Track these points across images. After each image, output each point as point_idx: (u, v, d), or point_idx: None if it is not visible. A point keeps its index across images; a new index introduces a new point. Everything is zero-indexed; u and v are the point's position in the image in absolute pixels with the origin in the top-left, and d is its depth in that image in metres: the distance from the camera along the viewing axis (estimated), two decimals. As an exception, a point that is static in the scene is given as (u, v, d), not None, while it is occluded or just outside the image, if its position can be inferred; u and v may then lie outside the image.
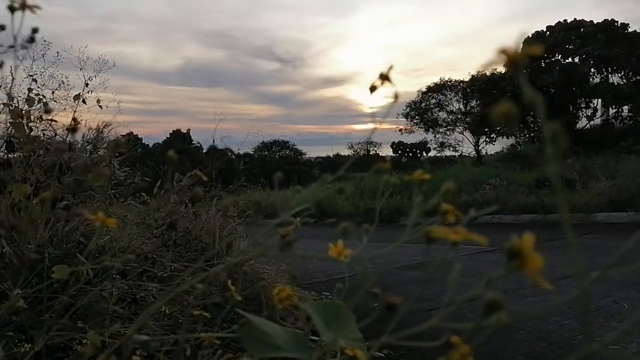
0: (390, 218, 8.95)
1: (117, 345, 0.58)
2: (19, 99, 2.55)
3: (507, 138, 20.39)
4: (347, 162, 0.65)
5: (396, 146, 29.81)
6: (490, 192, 10.23)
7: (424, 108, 22.61)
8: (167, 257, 2.46)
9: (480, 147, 22.10)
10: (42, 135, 2.68)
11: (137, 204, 2.87)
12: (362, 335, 0.67)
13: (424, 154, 28.92)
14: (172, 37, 58.16)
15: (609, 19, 18.46)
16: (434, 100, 22.56)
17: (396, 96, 0.58)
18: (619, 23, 18.42)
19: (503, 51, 0.37)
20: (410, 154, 29.64)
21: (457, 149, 23.25)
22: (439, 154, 24.40)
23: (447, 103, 22.43)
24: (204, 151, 22.95)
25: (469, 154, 22.67)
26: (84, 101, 3.02)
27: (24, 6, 0.62)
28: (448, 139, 23.18)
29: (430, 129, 22.97)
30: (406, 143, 29.21)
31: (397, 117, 22.24)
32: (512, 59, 0.37)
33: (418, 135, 24.90)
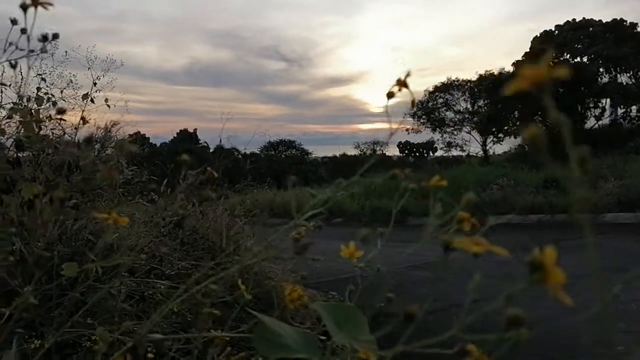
0: (398, 218, 8.91)
1: (131, 343, 0.59)
2: (29, 97, 2.57)
3: (515, 138, 20.31)
4: (359, 163, 0.65)
5: (403, 146, 29.77)
6: (498, 192, 10.18)
7: (431, 108, 22.55)
8: (174, 255, 2.47)
9: (487, 147, 22.02)
10: (51, 134, 2.69)
11: (145, 202, 2.88)
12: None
13: (431, 154, 28.85)
14: (178, 37, 58.37)
15: (618, 19, 18.36)
16: (441, 100, 22.48)
17: (413, 102, 0.58)
18: (627, 22, 18.31)
19: (528, 71, 0.36)
20: (417, 154, 29.58)
21: (464, 148, 23.19)
22: (445, 154, 24.33)
23: (454, 103, 22.36)
24: (211, 151, 22.99)
25: (476, 153, 22.61)
26: (92, 100, 3.03)
27: (36, 3, 0.62)
28: (455, 138, 23.12)
29: (437, 129, 22.90)
30: (413, 143, 29.17)
31: (404, 117, 22.14)
32: (536, 80, 0.37)
33: (425, 135, 24.86)
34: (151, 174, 3.41)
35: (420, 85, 22.99)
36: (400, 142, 29.41)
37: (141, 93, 37.65)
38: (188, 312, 2.01)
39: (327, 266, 4.54)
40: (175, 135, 29.16)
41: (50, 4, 0.64)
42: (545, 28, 20.11)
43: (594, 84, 17.70)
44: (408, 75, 0.58)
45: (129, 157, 2.70)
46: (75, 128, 2.58)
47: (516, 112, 19.25)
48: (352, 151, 29.38)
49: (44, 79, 3.18)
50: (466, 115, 22.18)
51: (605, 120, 19.08)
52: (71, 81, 3.65)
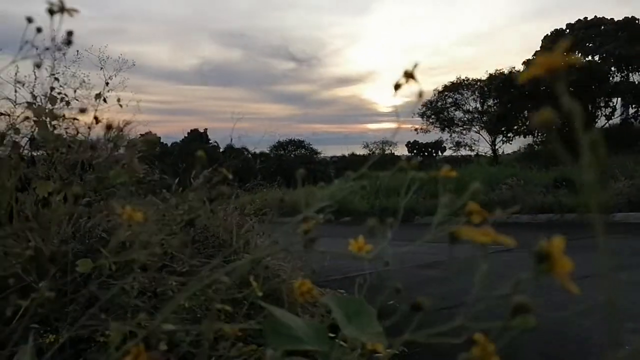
0: (405, 217, 8.93)
1: (144, 334, 0.61)
2: (42, 97, 2.61)
3: (525, 137, 20.18)
4: (368, 161, 0.66)
5: (411, 145, 29.68)
6: (507, 192, 10.14)
7: (440, 107, 22.46)
8: (186, 252, 2.50)
9: (496, 147, 21.90)
10: (64, 134, 2.73)
11: (158, 200, 2.91)
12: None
13: (439, 154, 28.75)
14: (188, 37, 58.64)
15: (630, 17, 18.18)
16: (450, 100, 22.39)
17: (420, 94, 0.59)
18: (639, 21, 18.12)
19: (542, 59, 0.36)
20: (426, 153, 29.47)
21: (473, 148, 23.07)
22: (454, 154, 24.22)
23: (463, 102, 22.25)
24: (221, 150, 23.08)
25: (485, 153, 22.48)
26: (104, 100, 3.07)
27: (62, 9, 0.65)
28: (464, 138, 23.01)
29: (446, 129, 22.81)
30: (421, 142, 29.07)
31: (412, 117, 22.15)
32: (551, 67, 0.36)
33: (433, 135, 24.77)
34: (163, 173, 3.45)
35: (431, 85, 22.93)
36: (408, 142, 29.34)
37: (151, 93, 37.89)
38: (199, 308, 2.04)
39: (335, 265, 4.56)
40: (186, 135, 29.32)
41: (76, 11, 0.67)
42: (556, 27, 20.02)
43: (605, 83, 17.55)
44: (415, 66, 0.59)
45: (144, 157, 2.74)
46: (89, 127, 2.61)
47: (526, 112, 19.13)
48: (360, 151, 29.34)
49: (57, 79, 3.22)
50: (475, 115, 22.07)
51: (616, 120, 18.92)
52: (84, 81, 3.70)
